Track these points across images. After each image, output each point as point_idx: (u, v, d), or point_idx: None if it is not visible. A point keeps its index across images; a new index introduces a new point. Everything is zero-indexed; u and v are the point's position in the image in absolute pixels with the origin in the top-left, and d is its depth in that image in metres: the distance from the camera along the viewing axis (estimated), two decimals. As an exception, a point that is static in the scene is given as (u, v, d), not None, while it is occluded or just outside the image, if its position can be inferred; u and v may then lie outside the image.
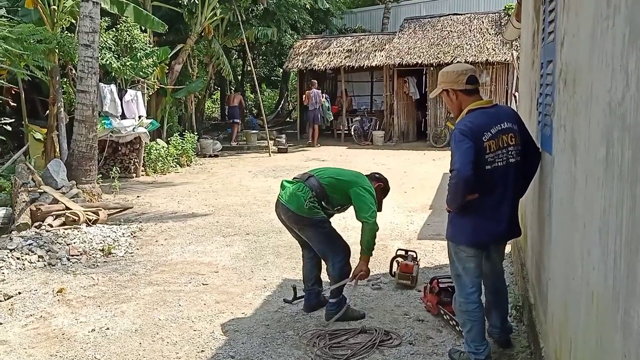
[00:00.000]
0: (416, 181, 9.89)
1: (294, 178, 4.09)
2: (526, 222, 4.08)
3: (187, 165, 12.76)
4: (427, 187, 9.21)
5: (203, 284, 4.88)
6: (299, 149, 15.64)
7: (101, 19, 9.29)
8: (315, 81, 16.61)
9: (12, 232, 6.12)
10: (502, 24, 15.28)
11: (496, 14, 16.08)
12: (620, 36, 1.53)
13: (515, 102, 10.34)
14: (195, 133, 14.41)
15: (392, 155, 13.90)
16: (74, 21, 9.88)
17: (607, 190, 1.64)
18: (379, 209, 4.00)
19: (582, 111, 2.06)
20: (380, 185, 4.07)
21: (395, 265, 4.81)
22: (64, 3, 9.62)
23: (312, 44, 18.23)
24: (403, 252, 4.88)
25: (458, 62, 14.39)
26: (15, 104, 10.08)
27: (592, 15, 1.91)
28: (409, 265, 4.64)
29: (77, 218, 6.67)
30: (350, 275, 3.98)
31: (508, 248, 5.00)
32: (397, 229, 6.68)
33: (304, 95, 16.59)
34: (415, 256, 4.80)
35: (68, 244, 5.83)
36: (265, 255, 5.71)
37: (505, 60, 14.12)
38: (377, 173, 4.21)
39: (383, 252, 5.59)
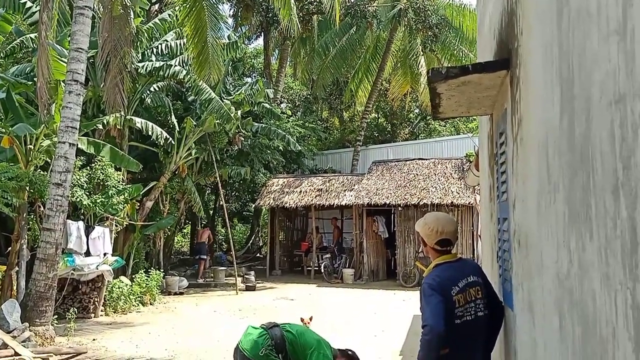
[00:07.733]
0: (386, 324, 9.66)
1: (261, 325, 4.01)
2: (495, 377, 3.95)
3: (150, 304, 12.28)
4: (398, 331, 8.99)
5: None
6: (267, 286, 15.34)
7: (76, 158, 9.45)
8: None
9: (-51, 383, 5.64)
10: (465, 169, 16.06)
11: (459, 160, 17.01)
12: (561, 214, 1.61)
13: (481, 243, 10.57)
14: (162, 270, 14.11)
15: (362, 295, 13.71)
16: (48, 160, 10.01)
17: (564, 363, 1.62)
18: None
19: (535, 276, 2.10)
20: None
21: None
22: (40, 143, 9.83)
23: (284, 182, 18.75)
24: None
25: (424, 203, 14.90)
26: (-24, 239, 9.85)
27: (537, 188, 2.01)
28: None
29: (24, 366, 6.22)
30: None
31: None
32: (367, 379, 6.37)
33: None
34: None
35: (10, 397, 5.36)
36: (226, 410, 5.32)
37: (469, 203, 14.59)
38: (350, 350, 4.06)
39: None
